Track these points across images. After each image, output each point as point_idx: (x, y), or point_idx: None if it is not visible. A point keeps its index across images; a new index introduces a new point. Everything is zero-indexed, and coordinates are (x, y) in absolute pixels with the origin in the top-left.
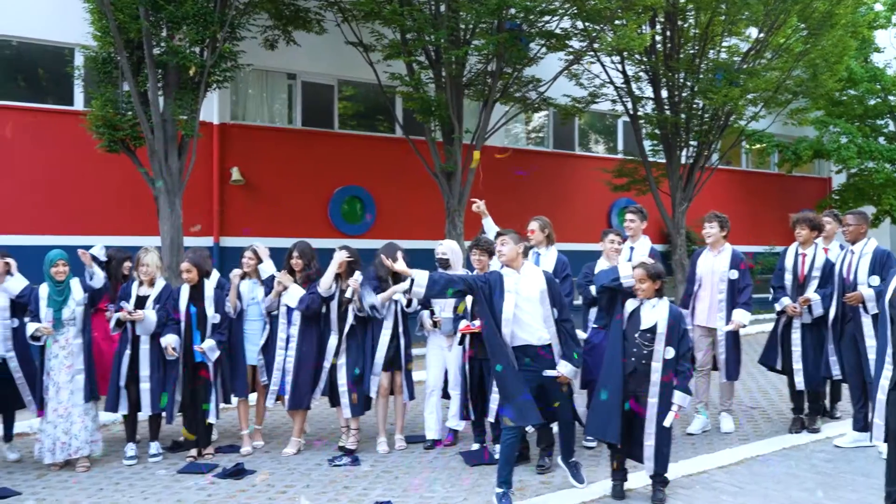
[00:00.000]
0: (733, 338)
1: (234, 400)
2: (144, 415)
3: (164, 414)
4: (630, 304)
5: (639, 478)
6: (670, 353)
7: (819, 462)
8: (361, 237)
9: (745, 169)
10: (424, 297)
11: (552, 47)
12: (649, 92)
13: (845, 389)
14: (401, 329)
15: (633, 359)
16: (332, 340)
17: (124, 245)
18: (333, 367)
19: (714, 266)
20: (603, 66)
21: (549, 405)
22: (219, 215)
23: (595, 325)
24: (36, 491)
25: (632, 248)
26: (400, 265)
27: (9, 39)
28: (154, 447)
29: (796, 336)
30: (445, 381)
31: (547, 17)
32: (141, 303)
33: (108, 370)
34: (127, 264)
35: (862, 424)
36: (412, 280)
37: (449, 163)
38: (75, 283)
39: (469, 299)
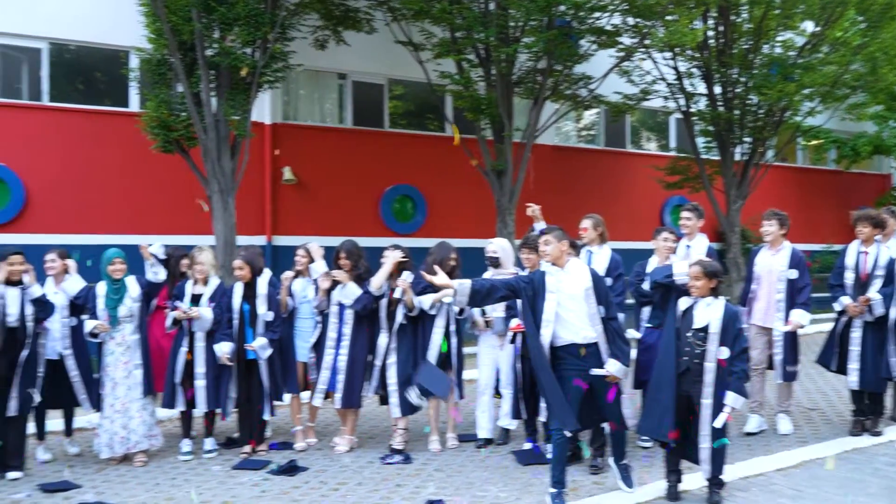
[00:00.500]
0: (791, 338)
1: (287, 397)
2: (200, 411)
3: (218, 410)
4: (683, 302)
5: (694, 479)
6: (724, 352)
7: (882, 466)
8: (412, 236)
9: (802, 165)
10: (469, 306)
11: (603, 44)
12: (702, 88)
13: None
14: (452, 328)
15: (685, 358)
16: (382, 339)
17: (179, 244)
18: (384, 366)
19: (772, 265)
20: (654, 62)
21: (597, 405)
22: (271, 215)
23: (649, 325)
24: (95, 484)
25: (688, 247)
26: (440, 278)
27: (67, 44)
28: (209, 443)
29: (856, 335)
30: (497, 380)
31: (597, 14)
32: (195, 301)
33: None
34: (185, 262)
35: None
36: (455, 291)
37: (500, 161)
38: (131, 281)
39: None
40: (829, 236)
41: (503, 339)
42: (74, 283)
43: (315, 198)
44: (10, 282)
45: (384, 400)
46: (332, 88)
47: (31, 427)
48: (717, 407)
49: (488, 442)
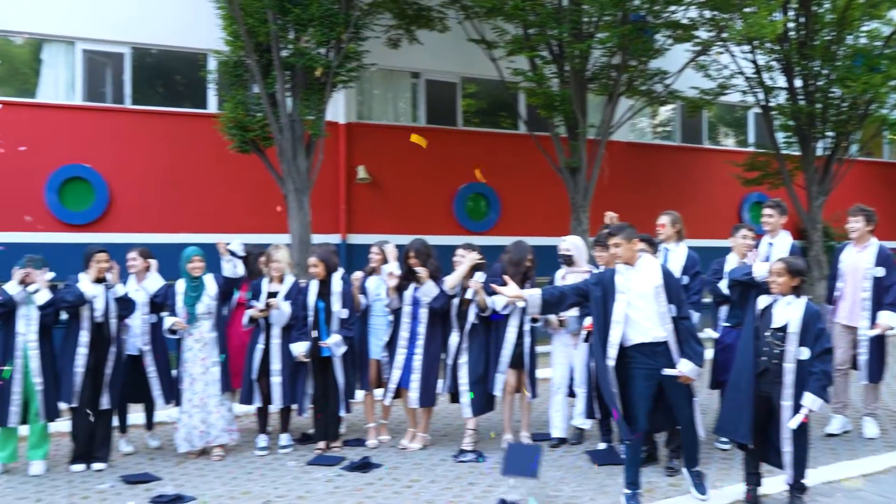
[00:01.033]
0: (877, 338)
1: (360, 394)
2: (275, 407)
3: (294, 406)
4: (763, 301)
5: (774, 483)
6: (804, 353)
7: None
8: (486, 234)
9: (888, 160)
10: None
11: (678, 38)
12: (782, 81)
13: None
14: (526, 327)
15: (764, 358)
16: (454, 338)
17: (256, 243)
18: (455, 365)
19: (857, 262)
20: (732, 55)
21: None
22: (346, 213)
23: (727, 324)
24: (175, 477)
25: (770, 244)
26: (511, 289)
27: (148, 48)
28: (284, 439)
29: None
30: (571, 379)
31: (672, 8)
32: (271, 298)
33: None
34: (262, 259)
35: None
36: (526, 303)
37: (573, 158)
38: (209, 279)
39: None
40: None
41: (577, 338)
42: (154, 282)
43: (389, 196)
44: (95, 279)
45: (455, 398)
46: (405, 87)
47: (114, 420)
48: (799, 409)
49: (562, 441)
